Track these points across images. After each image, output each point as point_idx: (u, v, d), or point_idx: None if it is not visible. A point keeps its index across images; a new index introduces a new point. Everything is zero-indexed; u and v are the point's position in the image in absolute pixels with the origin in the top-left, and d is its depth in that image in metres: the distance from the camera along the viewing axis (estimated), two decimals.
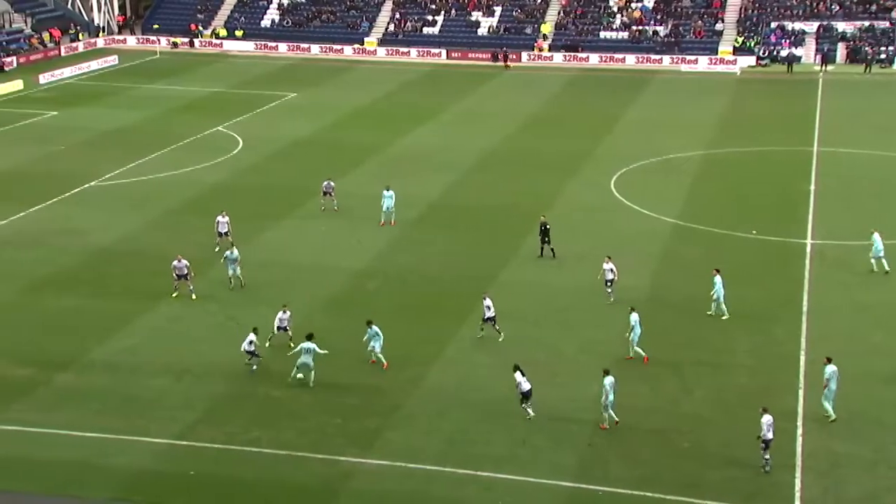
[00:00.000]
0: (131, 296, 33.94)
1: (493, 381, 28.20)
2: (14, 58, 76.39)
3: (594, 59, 77.63)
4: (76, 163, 50.60)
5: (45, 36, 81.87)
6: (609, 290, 33.14)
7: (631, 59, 76.98)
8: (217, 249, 37.54)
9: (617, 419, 25.93)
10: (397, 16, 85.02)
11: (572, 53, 78.48)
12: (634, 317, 29.35)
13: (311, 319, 32.44)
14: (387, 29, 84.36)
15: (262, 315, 31.06)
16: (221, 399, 27.59)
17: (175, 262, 33.63)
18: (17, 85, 68.78)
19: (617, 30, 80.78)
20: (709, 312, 32.41)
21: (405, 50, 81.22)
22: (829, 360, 26.28)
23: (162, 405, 27.26)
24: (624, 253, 37.36)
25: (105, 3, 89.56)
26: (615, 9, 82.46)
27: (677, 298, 33.55)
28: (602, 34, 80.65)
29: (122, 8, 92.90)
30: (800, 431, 25.76)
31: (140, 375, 28.95)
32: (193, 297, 33.59)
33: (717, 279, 32.24)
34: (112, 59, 78.15)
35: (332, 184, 42.93)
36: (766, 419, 23.84)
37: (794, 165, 49.82)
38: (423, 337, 31.01)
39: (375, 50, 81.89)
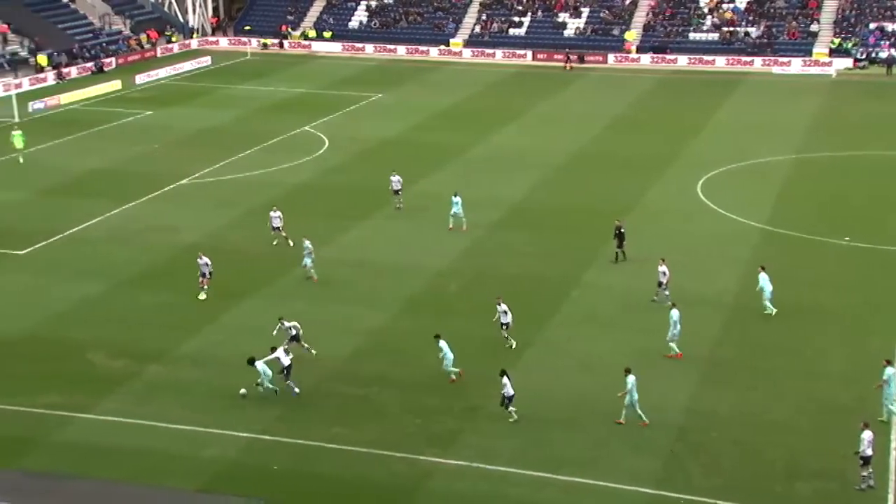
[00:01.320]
0: (217, 292, 34.62)
1: (571, 384, 28.02)
2: (113, 59, 78.86)
3: (682, 60, 76.39)
4: (169, 161, 51.95)
5: (143, 37, 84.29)
6: (665, 292, 32.62)
7: (721, 62, 75.48)
8: (275, 243, 38.51)
9: (646, 420, 25.74)
10: (483, 17, 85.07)
11: (660, 55, 77.38)
12: (675, 313, 28.93)
13: (391, 319, 32.75)
14: (473, 30, 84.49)
15: (343, 313, 31.38)
16: (304, 395, 27.97)
17: (199, 260, 34.47)
18: (115, 85, 70.99)
19: (707, 31, 79.34)
20: (766, 312, 31.85)
21: (490, 51, 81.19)
22: (889, 363, 25.87)
23: (247, 400, 27.79)
24: (710, 258, 36.75)
25: (199, 6, 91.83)
26: (706, 10, 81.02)
27: None
28: (691, 35, 79.30)
29: (215, 10, 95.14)
30: (893, 445, 24.93)
31: (226, 370, 29.56)
32: (203, 296, 34.06)
33: (762, 276, 31.86)
34: (205, 60, 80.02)
35: (400, 180, 42.96)
36: (867, 435, 23.11)
37: (891, 171, 48.21)
38: (503, 339, 30.91)
39: (461, 51, 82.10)
